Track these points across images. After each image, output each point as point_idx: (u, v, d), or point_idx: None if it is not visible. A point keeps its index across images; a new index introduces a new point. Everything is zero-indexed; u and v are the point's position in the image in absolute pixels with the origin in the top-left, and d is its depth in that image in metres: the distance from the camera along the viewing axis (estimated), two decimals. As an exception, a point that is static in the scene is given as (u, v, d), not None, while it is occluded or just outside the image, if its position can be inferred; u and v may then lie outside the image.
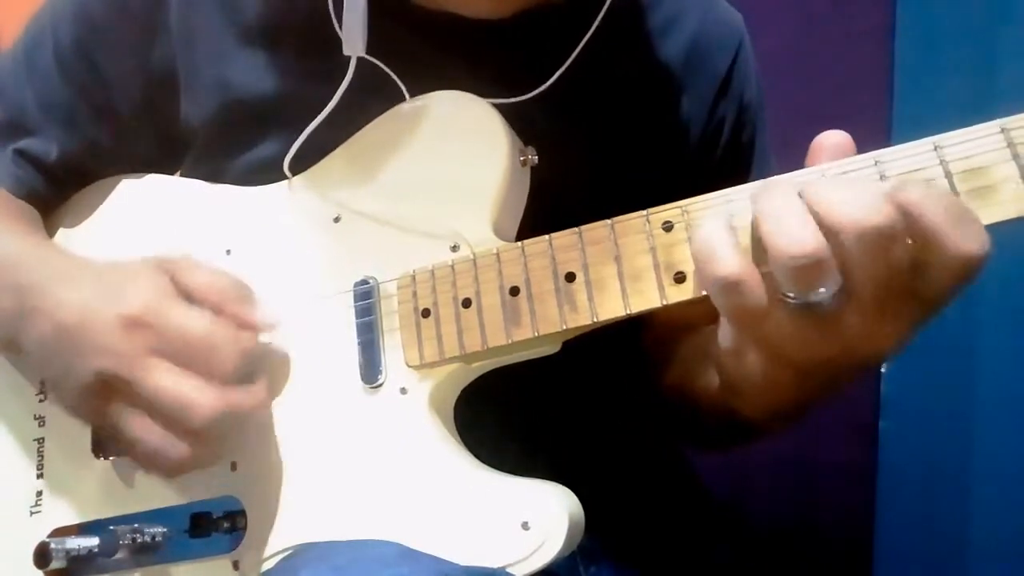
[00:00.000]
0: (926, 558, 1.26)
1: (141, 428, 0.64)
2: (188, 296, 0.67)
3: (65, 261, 0.74)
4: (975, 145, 0.53)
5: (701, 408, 0.78)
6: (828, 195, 0.51)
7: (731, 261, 0.54)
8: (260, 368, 0.68)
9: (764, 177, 0.89)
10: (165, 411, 0.63)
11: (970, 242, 0.50)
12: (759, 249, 0.55)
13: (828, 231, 0.51)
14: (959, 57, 1.22)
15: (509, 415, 0.74)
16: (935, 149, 0.54)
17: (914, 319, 0.54)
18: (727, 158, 0.90)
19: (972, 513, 1.20)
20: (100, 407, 0.66)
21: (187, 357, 0.63)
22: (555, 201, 0.72)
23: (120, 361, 0.63)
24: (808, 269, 0.51)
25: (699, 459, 0.95)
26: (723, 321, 0.59)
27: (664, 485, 0.90)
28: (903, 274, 0.51)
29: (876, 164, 0.55)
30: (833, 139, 0.58)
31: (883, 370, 1.29)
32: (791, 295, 0.53)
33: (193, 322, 0.64)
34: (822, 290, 0.52)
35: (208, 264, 0.70)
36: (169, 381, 0.63)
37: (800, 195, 0.53)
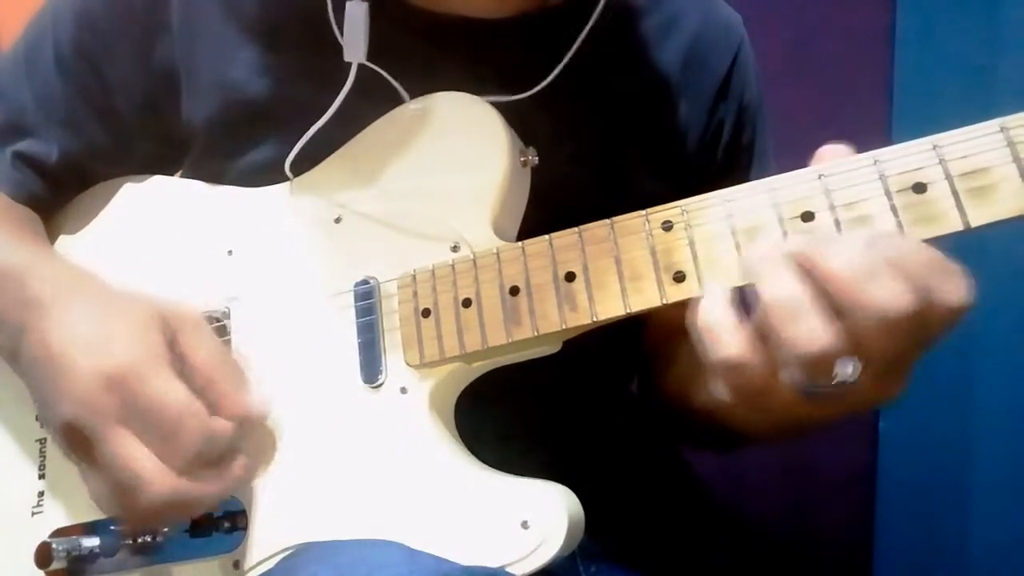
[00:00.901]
0: (926, 558, 1.26)
1: (94, 483, 0.64)
2: (182, 361, 0.65)
3: (70, 280, 0.71)
4: (974, 144, 0.53)
5: (696, 415, 0.78)
6: (840, 276, 0.49)
7: (733, 343, 0.53)
8: (235, 452, 0.65)
9: (765, 175, 0.91)
10: (116, 479, 0.62)
11: (959, 295, 0.51)
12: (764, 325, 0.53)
13: (841, 310, 0.50)
14: (959, 57, 1.22)
15: (509, 415, 0.74)
16: (934, 148, 0.54)
17: (912, 365, 0.54)
18: (727, 159, 0.90)
19: (972, 514, 1.20)
20: (67, 446, 0.65)
21: (152, 431, 0.61)
22: (555, 201, 0.72)
23: (88, 416, 0.62)
24: (824, 363, 0.50)
25: (699, 459, 0.95)
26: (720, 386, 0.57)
27: (664, 485, 0.90)
28: (912, 339, 0.51)
29: (875, 163, 0.55)
30: (836, 152, 0.58)
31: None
32: (802, 383, 0.52)
33: (168, 397, 0.61)
34: (837, 374, 0.51)
35: (212, 334, 0.68)
36: (126, 451, 0.61)
37: (802, 267, 0.51)
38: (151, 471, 0.61)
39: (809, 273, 0.51)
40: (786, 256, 0.52)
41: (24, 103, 0.84)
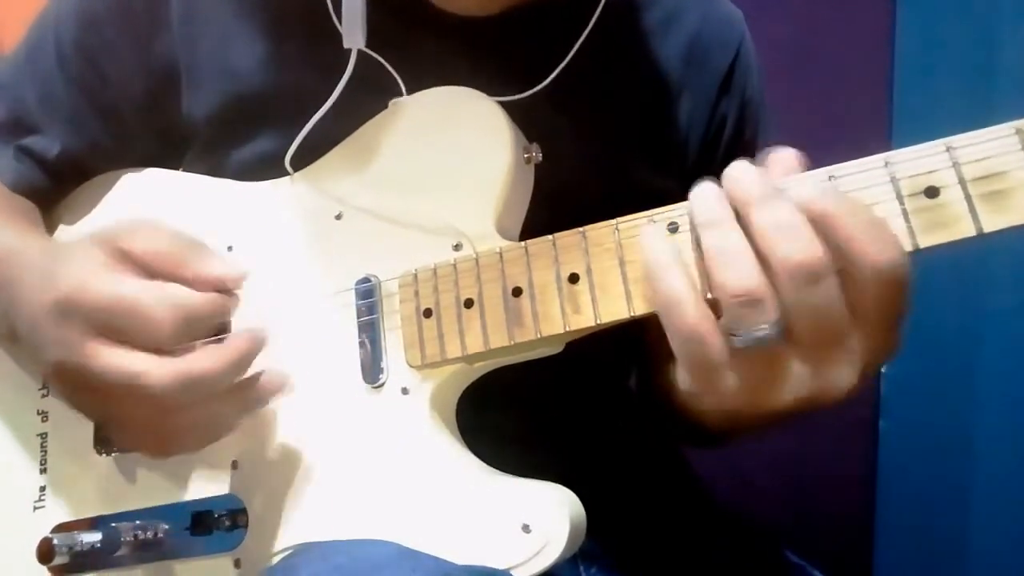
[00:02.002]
0: (926, 558, 1.26)
1: (119, 412, 0.64)
2: (135, 263, 0.65)
3: (38, 250, 0.72)
4: (989, 147, 0.52)
5: (677, 413, 0.78)
6: (766, 230, 0.53)
7: (695, 312, 0.55)
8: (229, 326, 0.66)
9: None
10: (121, 390, 0.62)
11: (886, 252, 0.52)
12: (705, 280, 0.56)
13: (764, 265, 0.53)
14: (959, 57, 1.23)
15: (510, 414, 0.74)
16: (947, 151, 0.53)
17: (864, 356, 0.55)
18: (730, 154, 0.89)
19: (972, 513, 1.21)
20: (67, 394, 0.65)
21: (123, 330, 0.62)
22: (558, 199, 0.72)
23: (64, 349, 0.62)
24: (751, 304, 0.53)
25: (699, 459, 0.95)
26: (680, 366, 0.59)
27: (664, 486, 0.90)
28: (836, 311, 0.53)
29: (887, 165, 0.54)
30: (785, 159, 0.59)
31: (883, 370, 1.29)
32: (737, 333, 0.54)
33: (117, 292, 0.62)
34: (764, 326, 0.53)
35: (151, 224, 0.68)
36: (110, 359, 0.61)
37: (743, 223, 0.54)
38: (143, 363, 0.61)
39: (744, 223, 0.55)
40: (728, 206, 0.56)
41: (27, 101, 0.85)
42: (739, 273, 0.53)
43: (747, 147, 0.91)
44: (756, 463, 1.30)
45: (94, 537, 0.73)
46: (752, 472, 1.29)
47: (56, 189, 0.87)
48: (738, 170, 0.56)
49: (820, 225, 0.52)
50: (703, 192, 0.57)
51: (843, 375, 0.55)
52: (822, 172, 0.57)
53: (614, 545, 0.80)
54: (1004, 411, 1.18)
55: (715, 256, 0.55)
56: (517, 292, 0.65)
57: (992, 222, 0.52)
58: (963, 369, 1.21)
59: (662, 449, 0.93)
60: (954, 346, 1.22)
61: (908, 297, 0.53)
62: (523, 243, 0.65)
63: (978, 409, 1.21)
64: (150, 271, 0.65)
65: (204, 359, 0.63)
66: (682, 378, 0.59)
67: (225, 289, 0.67)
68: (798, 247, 0.52)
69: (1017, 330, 1.16)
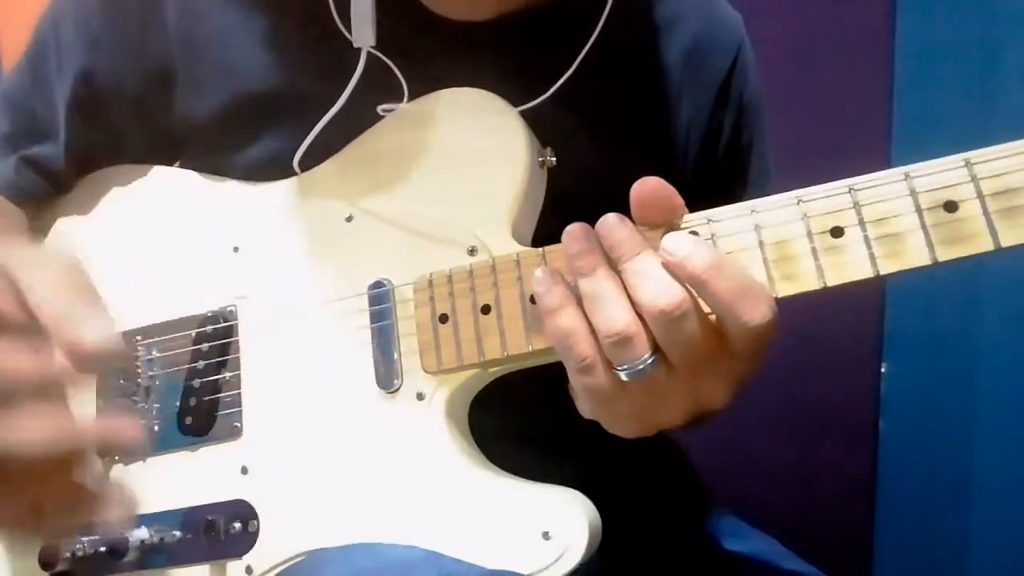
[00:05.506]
0: (926, 558, 1.27)
1: None
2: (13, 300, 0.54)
3: None
4: (1006, 163, 0.53)
5: None
6: (631, 278, 0.57)
7: (583, 348, 0.58)
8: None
9: (762, 178, 0.91)
10: None
11: (755, 315, 0.55)
12: None
13: (635, 308, 0.57)
14: (959, 58, 1.23)
15: (518, 418, 0.74)
16: (966, 165, 0.54)
17: (734, 374, 0.59)
18: (727, 158, 0.90)
19: (972, 514, 1.22)
20: None
21: None
22: (567, 203, 0.71)
23: None
24: (623, 343, 0.56)
25: (701, 459, 0.96)
26: (579, 396, 0.62)
27: (668, 488, 0.92)
28: (704, 341, 0.56)
29: (906, 178, 0.55)
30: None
31: (883, 370, 1.30)
32: (620, 367, 0.58)
33: None
34: (644, 358, 0.57)
35: (60, 263, 0.56)
36: None
37: (619, 270, 0.58)
38: None
39: (617, 268, 0.58)
40: (598, 250, 0.59)
41: (27, 110, 0.84)
42: (608, 316, 0.57)
43: (744, 151, 0.92)
44: (756, 463, 1.30)
45: (99, 543, 0.72)
46: (752, 472, 1.29)
47: (57, 192, 0.86)
48: (610, 220, 0.59)
49: (691, 284, 0.56)
50: (572, 236, 0.60)
51: (718, 391, 0.59)
52: (842, 184, 0.57)
53: (621, 546, 0.80)
54: (1004, 411, 1.19)
55: (588, 300, 0.58)
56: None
57: (1010, 237, 0.53)
58: (963, 369, 1.22)
59: (667, 452, 0.94)
60: (954, 346, 1.23)
61: (775, 329, 0.56)
62: (541, 249, 0.65)
63: (978, 409, 1.21)
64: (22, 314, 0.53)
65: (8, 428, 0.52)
66: (582, 407, 0.62)
67: (78, 360, 0.52)
68: (659, 292, 0.56)
69: (1017, 330, 1.17)
